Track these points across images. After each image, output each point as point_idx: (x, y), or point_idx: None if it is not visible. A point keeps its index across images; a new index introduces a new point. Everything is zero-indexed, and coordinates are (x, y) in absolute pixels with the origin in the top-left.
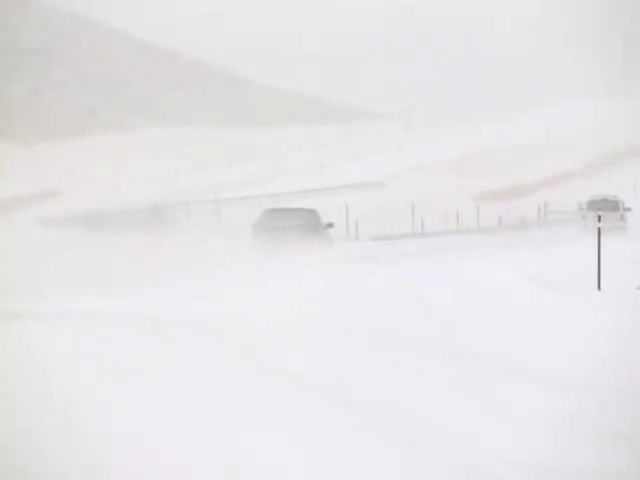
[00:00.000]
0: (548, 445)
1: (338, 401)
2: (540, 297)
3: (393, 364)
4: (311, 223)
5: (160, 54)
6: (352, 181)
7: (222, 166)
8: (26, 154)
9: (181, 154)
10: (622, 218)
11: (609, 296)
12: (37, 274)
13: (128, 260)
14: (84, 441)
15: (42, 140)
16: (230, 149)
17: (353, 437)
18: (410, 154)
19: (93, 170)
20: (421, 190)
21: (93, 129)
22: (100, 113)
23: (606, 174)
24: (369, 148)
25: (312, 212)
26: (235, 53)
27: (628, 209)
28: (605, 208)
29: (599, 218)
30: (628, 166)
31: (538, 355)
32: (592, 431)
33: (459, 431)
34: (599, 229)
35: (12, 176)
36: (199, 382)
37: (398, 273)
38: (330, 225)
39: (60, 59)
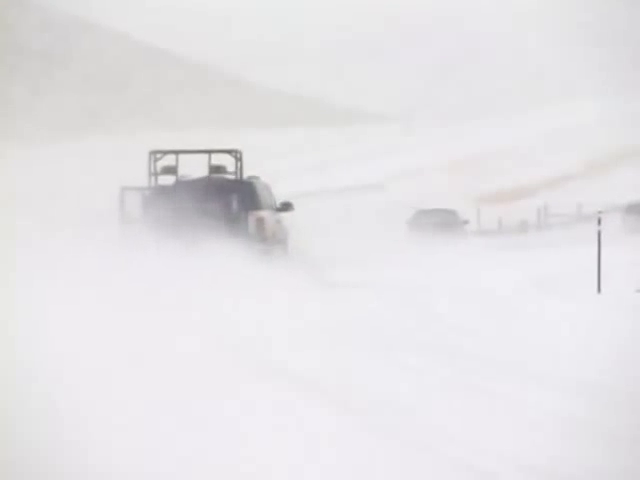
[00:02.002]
0: (549, 446)
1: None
2: (540, 299)
3: (393, 365)
4: (452, 220)
5: (161, 56)
6: (352, 183)
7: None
8: (27, 155)
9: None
10: None
11: (609, 298)
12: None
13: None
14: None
15: (43, 141)
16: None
17: (354, 437)
18: (410, 156)
19: (94, 172)
20: (421, 192)
21: (94, 131)
22: (101, 115)
23: (607, 175)
24: (369, 150)
25: (453, 212)
26: (236, 55)
27: None
28: None
29: (599, 221)
30: (628, 167)
31: (538, 357)
32: (592, 432)
33: (459, 431)
34: (599, 232)
35: (12, 177)
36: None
37: (399, 274)
38: (466, 222)
39: (61, 61)
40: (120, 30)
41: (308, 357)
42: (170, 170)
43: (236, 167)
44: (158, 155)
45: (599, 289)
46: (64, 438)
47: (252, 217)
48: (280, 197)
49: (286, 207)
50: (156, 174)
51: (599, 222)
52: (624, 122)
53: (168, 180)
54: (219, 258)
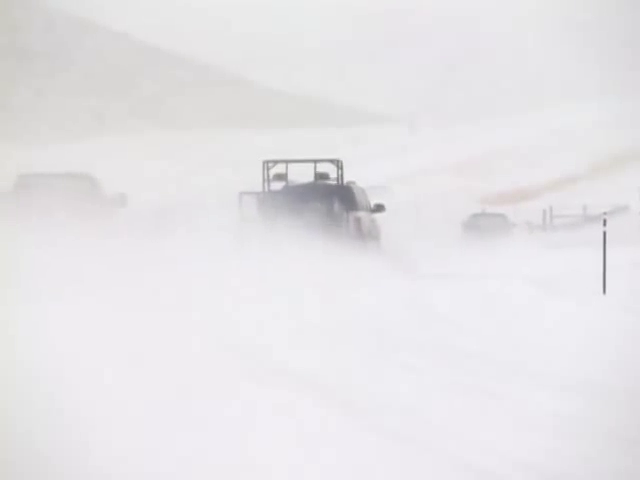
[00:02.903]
0: (549, 446)
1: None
2: (545, 300)
3: (393, 365)
4: (501, 223)
5: (164, 56)
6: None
7: (226, 168)
8: (29, 157)
9: (184, 156)
10: None
11: (614, 299)
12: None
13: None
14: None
15: (46, 143)
16: (234, 151)
17: (354, 437)
18: (414, 157)
19: (96, 173)
20: (425, 193)
21: (97, 132)
22: (104, 116)
23: (610, 177)
24: (372, 151)
25: (502, 216)
26: (239, 55)
27: None
28: None
29: (604, 222)
30: (632, 169)
31: (539, 357)
32: (593, 433)
33: (459, 431)
34: (604, 233)
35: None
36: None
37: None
38: (514, 225)
39: (64, 62)
40: (122, 31)
41: (308, 357)
42: (281, 177)
43: (337, 174)
44: (270, 164)
45: (604, 290)
46: (64, 438)
47: (351, 217)
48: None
49: (379, 208)
50: (269, 180)
51: (604, 223)
52: (628, 123)
53: (279, 185)
54: (323, 252)
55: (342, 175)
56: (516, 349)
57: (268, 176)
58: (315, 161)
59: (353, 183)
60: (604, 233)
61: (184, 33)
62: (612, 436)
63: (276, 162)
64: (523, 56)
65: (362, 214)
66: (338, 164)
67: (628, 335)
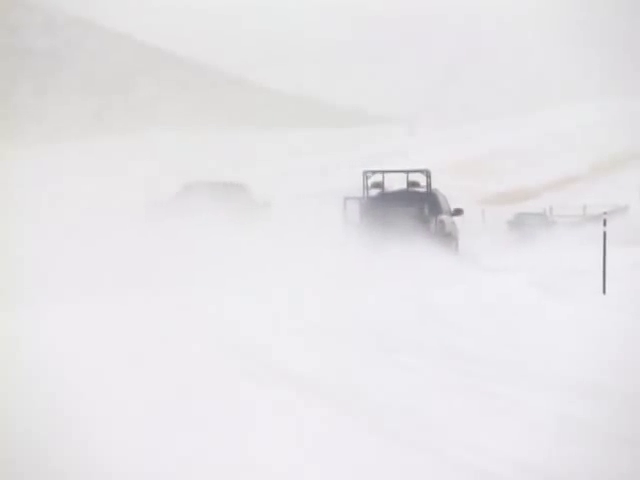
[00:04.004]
0: (548, 446)
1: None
2: (545, 300)
3: (394, 365)
4: (541, 221)
5: (164, 56)
6: (354, 184)
7: (225, 168)
8: (29, 156)
9: (184, 156)
10: None
11: (614, 299)
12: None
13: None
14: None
15: (45, 142)
16: (233, 152)
17: (354, 437)
18: (414, 157)
19: (97, 172)
20: None
21: (97, 131)
22: (104, 115)
23: (610, 177)
24: (370, 151)
25: (542, 215)
26: (239, 55)
27: None
28: None
29: (604, 222)
30: (633, 169)
31: (539, 357)
32: (593, 433)
33: (459, 431)
34: (604, 233)
35: (15, 178)
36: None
37: (399, 273)
38: (553, 222)
39: (64, 61)
40: (122, 31)
41: (308, 357)
42: (378, 185)
43: (426, 182)
44: (369, 174)
45: (604, 290)
46: (65, 438)
47: (437, 220)
48: (279, 198)
49: (458, 212)
50: (367, 187)
51: (604, 223)
52: (628, 123)
53: (376, 192)
54: (414, 249)
55: (430, 183)
56: (516, 349)
57: (367, 184)
58: (407, 171)
59: (437, 190)
60: (604, 233)
61: (184, 33)
62: (612, 436)
63: (374, 172)
64: (523, 56)
65: (445, 217)
66: (427, 174)
67: (628, 335)
